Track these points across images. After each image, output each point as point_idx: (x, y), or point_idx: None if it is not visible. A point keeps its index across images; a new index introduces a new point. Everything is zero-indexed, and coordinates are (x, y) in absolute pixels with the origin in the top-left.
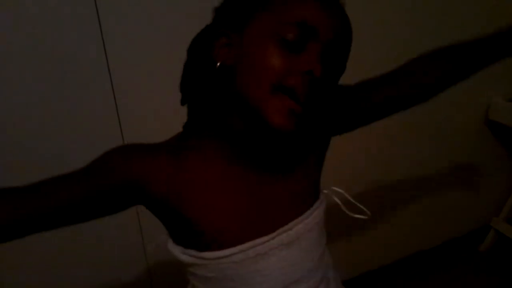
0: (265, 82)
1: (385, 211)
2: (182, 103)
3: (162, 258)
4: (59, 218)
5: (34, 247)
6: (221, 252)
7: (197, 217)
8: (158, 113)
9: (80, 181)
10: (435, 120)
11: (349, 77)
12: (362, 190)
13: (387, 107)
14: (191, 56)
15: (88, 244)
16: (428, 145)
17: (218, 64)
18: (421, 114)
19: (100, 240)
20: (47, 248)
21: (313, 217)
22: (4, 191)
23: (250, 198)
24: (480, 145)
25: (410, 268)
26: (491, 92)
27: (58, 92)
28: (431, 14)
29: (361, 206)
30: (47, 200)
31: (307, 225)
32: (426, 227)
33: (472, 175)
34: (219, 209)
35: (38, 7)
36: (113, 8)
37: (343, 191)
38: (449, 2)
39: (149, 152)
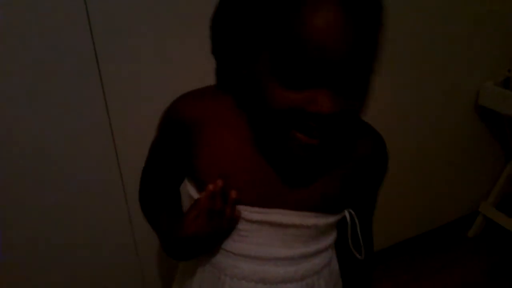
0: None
1: None
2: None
3: (156, 261)
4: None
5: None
6: None
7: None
8: (147, 107)
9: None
10: (424, 106)
11: None
12: None
13: None
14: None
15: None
16: (416, 132)
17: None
18: (410, 100)
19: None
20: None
21: (312, 219)
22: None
23: (259, 171)
24: (469, 131)
25: (399, 255)
26: (481, 77)
27: (45, 87)
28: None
29: (362, 247)
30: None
31: (303, 221)
32: (415, 214)
33: (461, 161)
34: (225, 168)
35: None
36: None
37: (357, 221)
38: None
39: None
